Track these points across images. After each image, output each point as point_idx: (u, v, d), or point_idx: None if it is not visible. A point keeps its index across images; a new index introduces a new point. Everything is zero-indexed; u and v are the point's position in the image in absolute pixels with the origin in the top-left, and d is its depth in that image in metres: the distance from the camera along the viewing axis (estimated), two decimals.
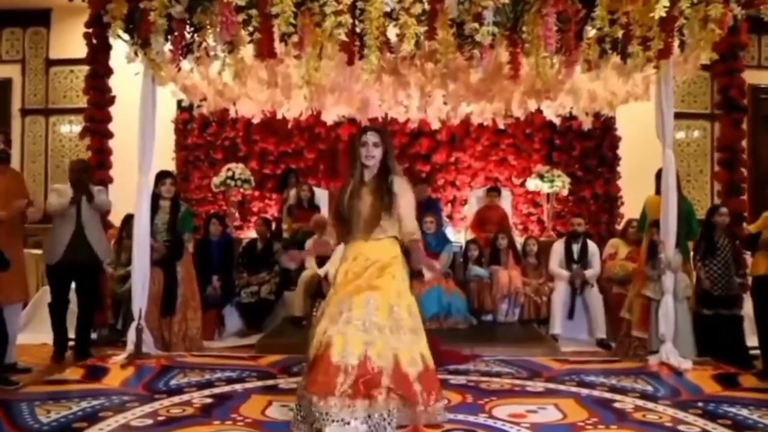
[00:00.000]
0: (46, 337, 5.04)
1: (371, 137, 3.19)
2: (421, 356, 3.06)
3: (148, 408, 3.45)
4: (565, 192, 7.67)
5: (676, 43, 4.24)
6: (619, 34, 3.98)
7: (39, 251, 5.43)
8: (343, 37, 3.88)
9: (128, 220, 5.88)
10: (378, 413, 2.88)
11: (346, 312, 2.98)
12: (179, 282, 5.09)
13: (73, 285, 4.89)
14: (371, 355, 2.91)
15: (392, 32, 4.21)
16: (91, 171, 5.12)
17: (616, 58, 4.41)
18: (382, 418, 2.88)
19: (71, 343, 4.93)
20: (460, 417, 3.29)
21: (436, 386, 3.11)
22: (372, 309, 2.98)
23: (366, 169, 3.22)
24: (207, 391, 3.81)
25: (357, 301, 3.00)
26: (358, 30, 4.02)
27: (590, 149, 7.91)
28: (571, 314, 5.87)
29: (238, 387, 3.92)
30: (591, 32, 4.15)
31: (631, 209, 7.13)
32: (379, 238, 3.17)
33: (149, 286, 4.81)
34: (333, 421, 2.82)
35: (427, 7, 4.02)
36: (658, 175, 4.88)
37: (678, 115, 7.74)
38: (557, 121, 6.57)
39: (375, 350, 2.92)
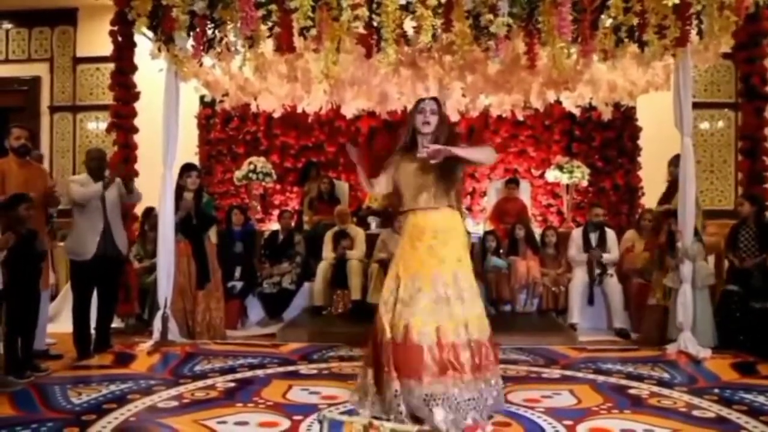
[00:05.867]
0: None
1: (429, 105, 3.18)
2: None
3: (173, 391, 3.58)
4: (584, 183, 7.65)
5: (694, 31, 4.23)
6: (634, 22, 3.98)
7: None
8: (361, 31, 3.95)
9: (148, 213, 6.09)
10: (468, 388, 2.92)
11: (416, 293, 3.00)
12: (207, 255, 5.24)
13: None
14: (446, 331, 2.95)
15: (409, 25, 4.26)
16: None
17: (633, 48, 4.41)
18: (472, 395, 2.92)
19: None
20: None
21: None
22: (440, 284, 3.00)
23: (422, 137, 3.16)
24: (230, 376, 3.93)
25: (424, 278, 3.02)
26: (375, 23, 4.08)
27: (610, 140, 7.86)
28: (591, 300, 5.87)
29: (259, 372, 4.04)
30: (607, 21, 4.16)
31: (651, 200, 7.07)
32: (436, 207, 3.12)
33: (174, 276, 4.95)
34: (434, 401, 2.85)
35: None
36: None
37: (702, 105, 7.76)
38: (577, 111, 6.55)
39: (449, 326, 2.96)
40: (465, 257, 3.16)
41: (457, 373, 2.91)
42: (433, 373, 2.90)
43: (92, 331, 4.73)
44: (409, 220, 3.19)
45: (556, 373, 4.07)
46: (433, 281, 3.02)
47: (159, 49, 4.59)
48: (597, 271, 5.93)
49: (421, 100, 3.25)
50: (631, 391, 3.62)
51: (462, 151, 3.05)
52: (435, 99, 3.29)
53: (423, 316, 2.97)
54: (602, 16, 4.13)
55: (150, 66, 4.88)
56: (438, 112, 3.18)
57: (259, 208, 8.00)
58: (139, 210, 5.99)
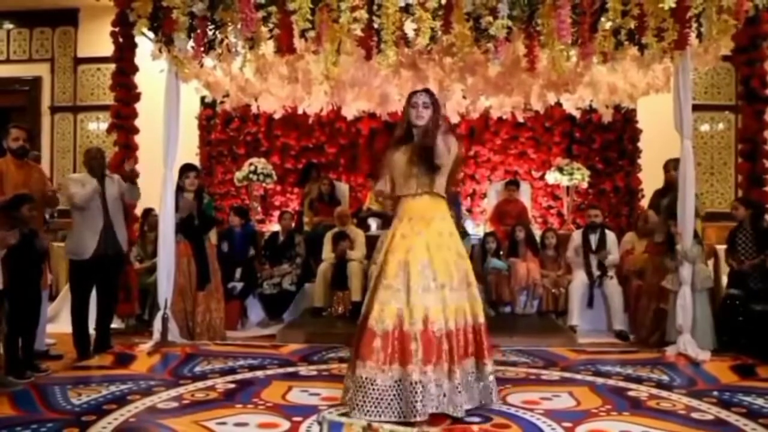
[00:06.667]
0: None
1: (421, 98, 3.25)
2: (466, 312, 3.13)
3: (173, 392, 3.59)
4: (584, 185, 7.66)
5: (693, 33, 4.24)
6: (632, 25, 3.99)
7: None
8: (359, 33, 3.96)
9: (147, 213, 6.10)
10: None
11: (405, 282, 3.06)
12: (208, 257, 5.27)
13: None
14: (433, 319, 3.02)
15: (409, 27, 4.27)
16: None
17: (633, 50, 4.42)
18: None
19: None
20: None
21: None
22: (400, 272, 3.07)
23: (416, 129, 3.24)
24: (230, 377, 3.94)
25: (390, 265, 3.10)
26: (375, 25, 4.09)
27: (610, 142, 7.87)
28: (590, 302, 5.88)
29: (259, 373, 4.04)
30: (606, 24, 4.17)
31: None
32: (423, 193, 3.21)
33: (174, 277, 4.96)
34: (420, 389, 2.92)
35: (443, 1, 4.08)
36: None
37: (702, 107, 7.77)
38: (577, 113, 6.57)
39: (434, 314, 3.03)
40: (439, 245, 3.15)
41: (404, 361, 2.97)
42: (378, 359, 2.98)
43: (92, 332, 4.74)
44: (399, 206, 3.30)
45: (555, 374, 4.07)
46: (396, 269, 3.10)
47: (160, 50, 4.60)
48: (597, 273, 5.94)
49: (413, 94, 3.31)
50: (631, 393, 3.62)
51: (441, 139, 3.14)
52: (427, 91, 3.34)
53: (380, 302, 3.07)
54: (601, 19, 4.14)
55: (151, 67, 4.89)
56: (431, 105, 3.24)
57: (259, 209, 8.01)
58: (139, 211, 6.00)
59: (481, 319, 3.20)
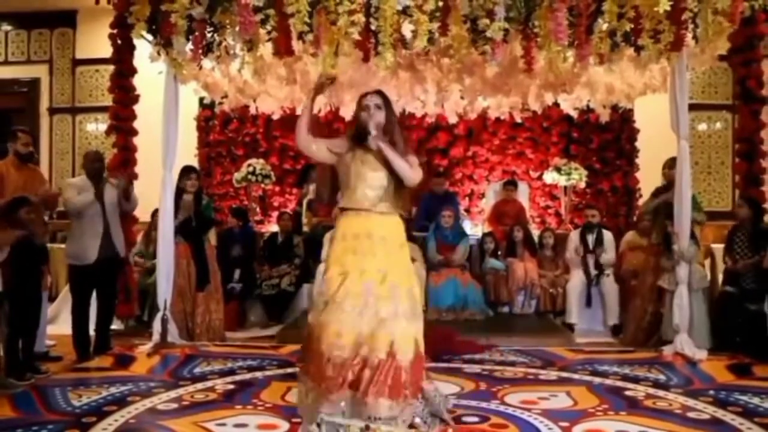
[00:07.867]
0: None
1: (372, 100, 3.07)
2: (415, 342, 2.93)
3: (173, 393, 3.61)
4: (582, 185, 7.68)
5: (690, 34, 4.26)
6: (627, 28, 4.01)
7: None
8: (357, 36, 3.97)
9: (155, 213, 6.11)
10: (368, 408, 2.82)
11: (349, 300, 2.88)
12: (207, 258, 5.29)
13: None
14: (362, 342, 2.84)
15: (407, 29, 4.29)
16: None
17: (630, 51, 4.44)
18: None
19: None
20: (473, 403, 3.38)
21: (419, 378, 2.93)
22: (372, 297, 2.88)
23: (365, 132, 3.00)
24: (229, 378, 3.96)
25: (356, 288, 2.90)
26: (373, 27, 4.11)
27: (608, 142, 7.89)
28: (588, 302, 5.92)
29: (259, 374, 4.06)
30: (603, 26, 4.19)
31: None
32: (383, 212, 3.01)
33: (174, 278, 4.97)
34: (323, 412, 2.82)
35: (440, 3, 4.10)
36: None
37: (699, 107, 7.81)
38: (575, 114, 6.60)
39: (370, 340, 2.84)
40: (361, 267, 2.94)
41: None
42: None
43: (92, 333, 4.75)
44: (352, 221, 3.03)
45: (552, 374, 4.10)
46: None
47: (158, 53, 4.61)
48: (594, 272, 5.97)
49: (363, 96, 3.13)
50: (627, 393, 3.64)
51: (391, 153, 2.96)
52: (379, 92, 3.15)
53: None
54: (598, 20, 4.15)
55: (149, 68, 4.91)
56: (383, 107, 3.07)
57: (258, 210, 8.02)
58: (140, 211, 6.00)
59: (400, 356, 2.84)
